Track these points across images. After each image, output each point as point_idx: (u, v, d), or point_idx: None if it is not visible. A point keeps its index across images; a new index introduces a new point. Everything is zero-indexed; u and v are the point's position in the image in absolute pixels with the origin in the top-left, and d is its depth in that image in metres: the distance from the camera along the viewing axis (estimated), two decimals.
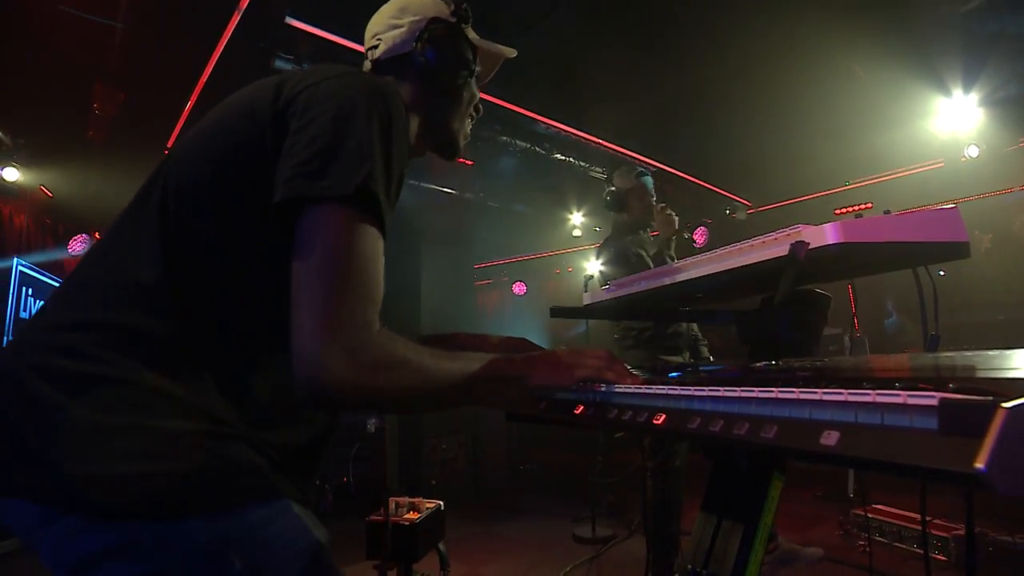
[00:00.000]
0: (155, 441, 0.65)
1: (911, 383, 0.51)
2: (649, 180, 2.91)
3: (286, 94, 0.77)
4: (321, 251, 0.68)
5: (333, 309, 0.67)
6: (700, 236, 6.76)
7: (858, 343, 3.60)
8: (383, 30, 0.99)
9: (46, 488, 0.63)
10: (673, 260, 2.79)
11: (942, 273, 0.99)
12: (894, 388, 0.45)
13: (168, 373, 0.68)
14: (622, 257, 2.75)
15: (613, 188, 2.90)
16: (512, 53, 1.08)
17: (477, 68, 1.02)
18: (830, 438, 0.45)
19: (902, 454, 0.40)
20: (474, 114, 1.06)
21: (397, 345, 0.71)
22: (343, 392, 0.66)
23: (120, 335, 0.69)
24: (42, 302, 5.03)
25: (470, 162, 5.18)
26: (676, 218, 2.89)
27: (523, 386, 0.81)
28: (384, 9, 1.02)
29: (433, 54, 0.95)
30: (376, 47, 1.00)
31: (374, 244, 0.72)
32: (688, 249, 3.10)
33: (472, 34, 1.03)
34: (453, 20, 0.98)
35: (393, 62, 0.98)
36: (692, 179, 6.17)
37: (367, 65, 1.03)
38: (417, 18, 0.97)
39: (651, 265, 2.72)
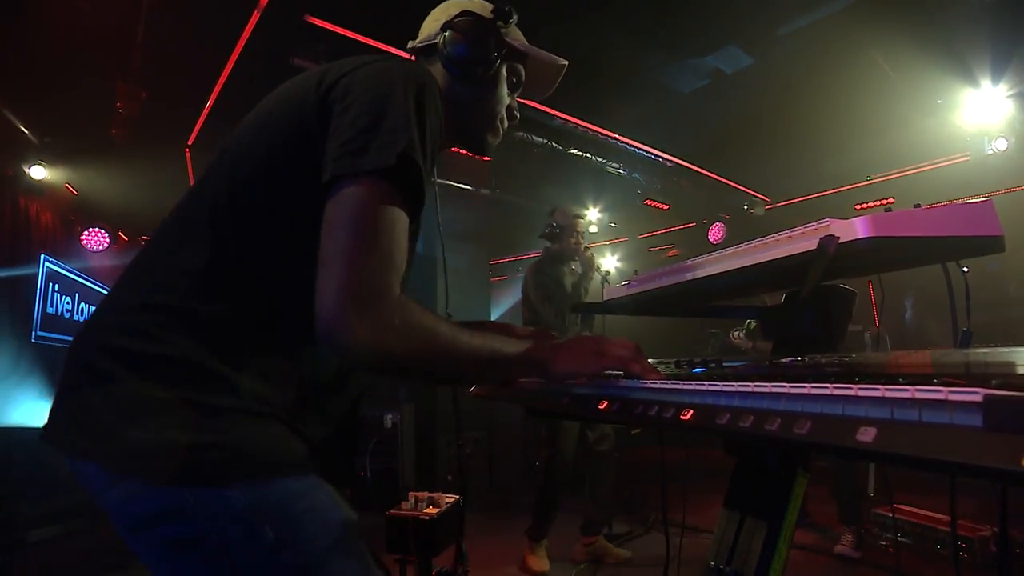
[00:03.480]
0: (202, 415, 0.70)
1: (948, 379, 0.50)
2: (583, 222, 3.41)
3: (328, 81, 0.81)
4: (347, 217, 0.73)
5: (354, 270, 0.70)
6: (717, 232, 6.70)
7: (880, 340, 3.54)
8: (427, 24, 1.06)
9: (111, 454, 0.70)
10: (587, 292, 3.37)
11: (966, 270, 0.96)
12: (932, 384, 0.44)
13: (217, 353, 0.73)
14: (541, 285, 3.25)
15: (553, 222, 3.34)
16: (562, 63, 1.10)
17: (500, 71, 1.03)
18: (867, 434, 0.44)
19: (944, 451, 0.39)
20: (506, 118, 1.07)
21: (413, 310, 0.74)
22: (357, 349, 0.70)
23: (176, 317, 0.74)
24: (68, 297, 5.16)
25: (487, 158, 5.18)
26: (594, 258, 3.44)
27: (545, 372, 0.83)
28: (436, 8, 1.07)
29: (454, 42, 0.97)
30: (417, 37, 1.07)
31: (399, 213, 0.75)
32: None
33: (518, 38, 1.05)
34: (489, 17, 1.00)
35: (425, 50, 1.04)
36: (710, 174, 6.11)
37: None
38: (456, 12, 1.00)
39: (567, 291, 3.26)
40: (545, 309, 3.19)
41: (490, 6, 1.03)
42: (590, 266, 3.39)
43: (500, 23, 1.00)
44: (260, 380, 0.75)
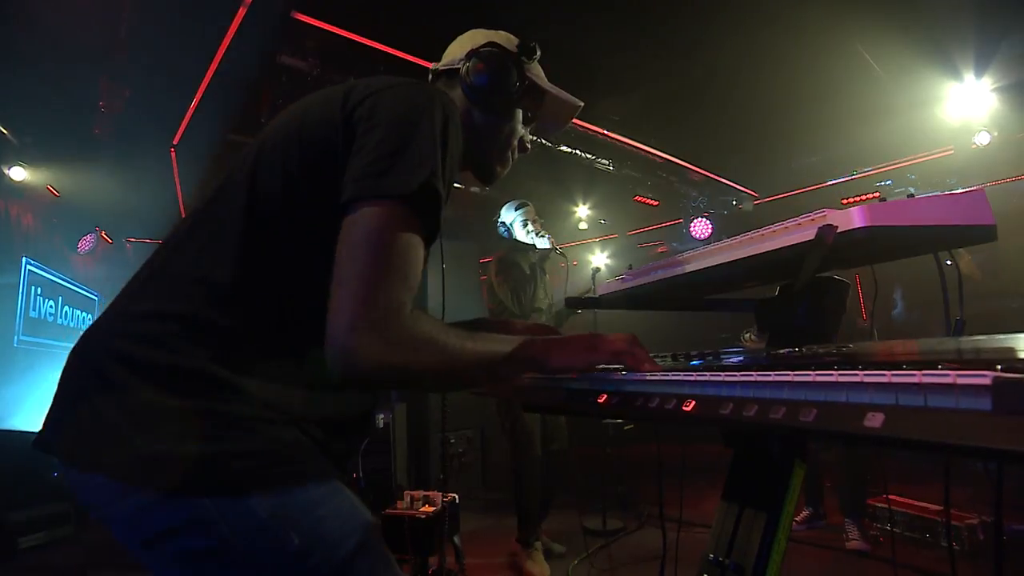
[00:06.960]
0: (220, 424, 0.69)
1: (953, 364, 0.50)
2: (527, 210, 3.38)
3: (353, 100, 0.82)
4: (367, 237, 0.73)
5: (369, 287, 0.70)
6: (702, 228, 6.73)
7: (871, 333, 3.56)
8: (453, 49, 1.09)
9: (122, 465, 0.68)
10: (544, 272, 3.34)
11: (948, 263, 0.97)
12: (938, 369, 0.44)
13: (232, 363, 0.73)
14: (504, 267, 3.23)
15: (500, 221, 3.40)
16: (579, 103, 1.14)
17: (519, 104, 1.05)
18: (875, 420, 0.44)
19: (953, 435, 0.39)
20: (517, 149, 1.10)
21: (425, 325, 0.74)
22: (370, 367, 0.69)
23: (191, 326, 0.74)
24: (51, 300, 5.07)
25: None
26: (550, 239, 3.36)
27: (541, 367, 0.85)
28: (462, 35, 1.10)
29: (476, 71, 1.00)
30: (441, 60, 1.09)
31: (417, 240, 0.76)
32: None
33: (538, 73, 1.08)
34: (513, 51, 1.03)
35: (447, 73, 1.06)
36: (698, 170, 6.14)
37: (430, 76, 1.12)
38: (482, 42, 1.03)
39: (527, 273, 3.24)
40: (506, 294, 3.14)
41: (516, 40, 1.06)
42: (550, 246, 3.33)
43: (524, 58, 1.03)
44: (273, 389, 0.74)
